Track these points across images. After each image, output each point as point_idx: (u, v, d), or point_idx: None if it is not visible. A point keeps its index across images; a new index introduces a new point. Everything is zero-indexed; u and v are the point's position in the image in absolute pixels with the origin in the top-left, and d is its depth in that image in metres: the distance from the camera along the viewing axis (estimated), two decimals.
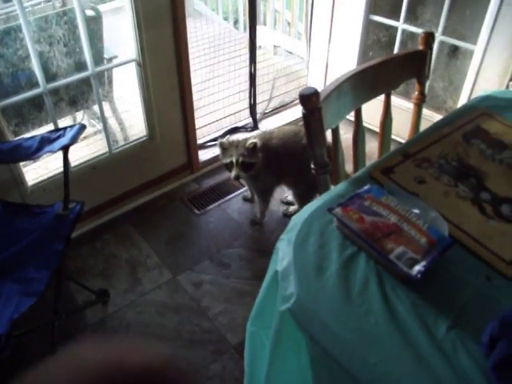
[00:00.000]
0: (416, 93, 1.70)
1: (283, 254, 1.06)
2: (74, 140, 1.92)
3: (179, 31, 2.43)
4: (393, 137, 1.78)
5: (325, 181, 1.37)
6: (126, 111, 3.34)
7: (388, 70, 1.56)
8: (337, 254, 1.05)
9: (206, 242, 2.66)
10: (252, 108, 3.44)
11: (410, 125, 1.77)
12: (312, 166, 1.36)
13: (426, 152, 1.37)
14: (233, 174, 2.43)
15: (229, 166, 2.45)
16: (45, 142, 1.99)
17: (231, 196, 2.96)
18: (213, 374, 2.08)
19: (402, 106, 2.88)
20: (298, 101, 3.53)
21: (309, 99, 1.20)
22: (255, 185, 2.68)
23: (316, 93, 1.19)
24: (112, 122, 3.13)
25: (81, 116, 3.14)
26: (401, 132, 2.28)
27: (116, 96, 3.13)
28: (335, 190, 1.25)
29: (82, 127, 2.00)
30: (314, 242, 1.07)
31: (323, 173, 1.35)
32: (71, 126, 2.02)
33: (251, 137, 2.50)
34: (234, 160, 2.39)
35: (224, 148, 2.46)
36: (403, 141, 2.89)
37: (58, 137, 2.01)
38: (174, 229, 2.76)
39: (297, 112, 3.58)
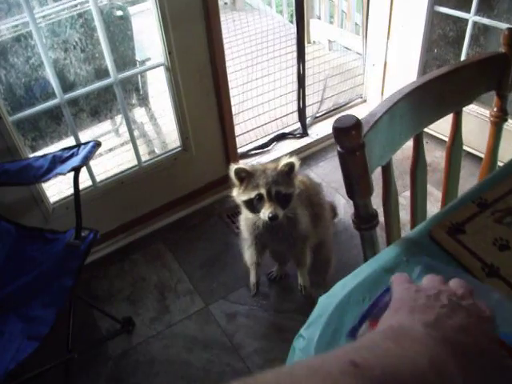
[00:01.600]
0: (495, 109, 1.33)
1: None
2: (85, 161, 1.71)
3: (212, 29, 2.15)
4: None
5: (371, 238, 1.05)
6: (162, 117, 3.10)
7: (459, 80, 1.20)
8: None
9: (243, 266, 2.36)
10: (301, 112, 3.12)
11: (485, 143, 1.41)
12: (353, 219, 1.04)
13: (510, 200, 1.02)
14: (268, 212, 1.67)
15: (255, 204, 1.72)
16: (56, 162, 1.80)
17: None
18: None
19: (471, 111, 2.51)
20: (353, 102, 3.29)
21: (347, 134, 0.87)
22: (293, 230, 1.87)
23: (357, 124, 0.86)
24: (149, 129, 2.90)
25: (119, 120, 2.93)
26: (472, 142, 1.90)
27: (153, 101, 2.89)
28: (381, 257, 0.93)
29: (97, 145, 1.78)
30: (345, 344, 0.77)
31: (368, 228, 1.02)
32: (86, 143, 1.80)
33: (281, 159, 1.81)
34: (265, 191, 1.69)
35: (241, 177, 1.73)
36: (475, 152, 2.55)
37: (71, 155, 1.81)
38: (209, 250, 2.50)
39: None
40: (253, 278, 2.01)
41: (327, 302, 0.84)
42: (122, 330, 2.15)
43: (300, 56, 2.89)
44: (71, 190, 2.29)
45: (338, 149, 0.90)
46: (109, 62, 2.02)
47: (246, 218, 1.88)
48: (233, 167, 1.72)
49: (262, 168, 1.74)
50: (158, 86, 2.75)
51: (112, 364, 2.05)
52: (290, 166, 1.73)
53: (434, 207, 2.16)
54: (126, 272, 2.42)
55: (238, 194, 1.75)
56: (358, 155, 0.90)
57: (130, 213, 2.51)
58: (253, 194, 1.70)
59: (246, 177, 1.72)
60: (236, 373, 1.97)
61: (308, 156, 3.03)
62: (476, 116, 2.52)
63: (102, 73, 2.16)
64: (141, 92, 2.66)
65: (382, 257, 0.93)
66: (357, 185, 0.95)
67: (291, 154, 2.92)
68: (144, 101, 2.74)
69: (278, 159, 1.80)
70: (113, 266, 2.45)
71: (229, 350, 2.06)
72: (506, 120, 1.36)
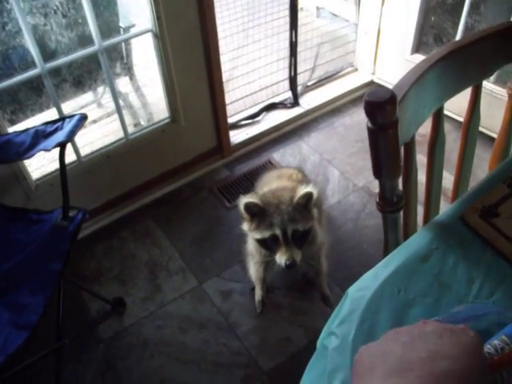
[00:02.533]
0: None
1: (334, 364, 0.68)
2: (71, 136, 1.58)
3: None
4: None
5: (394, 221, 0.96)
6: (148, 86, 2.96)
7: (482, 51, 1.11)
8: None
9: (237, 242, 2.25)
10: (292, 80, 3.01)
11: (493, 121, 1.32)
12: (377, 201, 0.95)
13: None
14: (284, 259, 1.49)
15: (268, 244, 1.55)
16: (39, 137, 1.67)
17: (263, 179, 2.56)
18: None
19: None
20: (345, 71, 3.17)
21: (381, 109, 0.77)
22: (310, 248, 1.72)
23: (392, 99, 0.76)
24: (132, 101, 2.75)
25: (101, 90, 2.78)
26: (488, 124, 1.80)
27: (138, 70, 2.74)
28: (412, 244, 0.85)
29: (83, 118, 1.65)
30: None
31: (393, 210, 0.94)
32: (71, 117, 1.67)
33: (294, 187, 1.61)
34: (280, 232, 1.49)
35: (253, 213, 1.53)
36: (492, 134, 2.44)
37: (55, 130, 1.68)
38: (200, 225, 2.41)
39: (343, 85, 3.13)
40: (258, 296, 1.94)
41: (359, 295, 0.76)
42: (112, 311, 2.06)
43: (293, 23, 2.76)
44: (54, 165, 2.19)
45: (369, 125, 0.81)
46: (93, 28, 1.88)
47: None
48: (243, 201, 1.51)
49: (275, 201, 1.53)
50: (143, 54, 2.60)
51: (104, 347, 1.96)
52: (308, 197, 1.52)
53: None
54: (115, 250, 2.32)
55: (250, 231, 1.57)
56: (391, 133, 0.80)
57: (116, 188, 2.40)
58: (266, 234, 1.51)
59: (257, 212, 1.52)
60: (233, 353, 1.91)
61: (299, 126, 2.94)
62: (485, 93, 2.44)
63: (85, 40, 2.01)
64: (125, 61, 2.51)
65: (412, 244, 0.85)
66: (386, 165, 0.86)
67: (282, 124, 2.87)
68: (129, 70, 2.60)
69: (293, 186, 1.62)
70: (100, 245, 2.34)
71: (225, 329, 1.99)
72: None
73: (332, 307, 2.01)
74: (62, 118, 1.69)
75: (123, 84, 2.73)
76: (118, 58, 2.43)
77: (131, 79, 2.72)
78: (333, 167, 2.65)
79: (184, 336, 1.98)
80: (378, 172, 0.88)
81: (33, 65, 1.87)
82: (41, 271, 1.57)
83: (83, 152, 2.20)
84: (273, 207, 1.51)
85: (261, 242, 1.57)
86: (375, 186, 2.51)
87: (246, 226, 1.59)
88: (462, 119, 1.27)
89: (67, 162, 1.99)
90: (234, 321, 2.01)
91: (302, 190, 1.51)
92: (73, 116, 1.67)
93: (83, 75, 2.25)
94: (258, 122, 2.89)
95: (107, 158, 2.25)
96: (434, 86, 1.03)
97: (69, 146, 2.03)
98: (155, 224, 2.42)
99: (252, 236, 1.58)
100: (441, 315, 0.71)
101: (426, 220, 1.29)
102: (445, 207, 0.99)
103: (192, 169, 2.59)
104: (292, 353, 1.90)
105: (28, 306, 1.50)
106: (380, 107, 0.78)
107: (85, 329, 2.01)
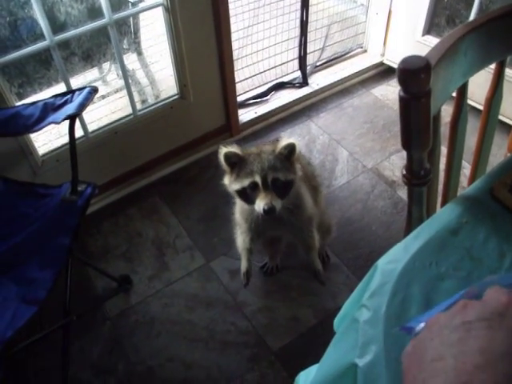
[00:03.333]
0: None
1: (367, 336, 0.66)
2: (81, 108, 1.55)
3: None
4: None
5: (420, 195, 0.93)
6: (157, 63, 2.91)
7: (505, 26, 1.07)
8: None
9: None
10: (302, 60, 2.96)
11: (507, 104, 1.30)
12: (403, 173, 0.92)
13: None
14: (263, 203, 1.43)
15: (248, 193, 1.47)
16: (48, 110, 1.64)
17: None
18: None
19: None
20: (354, 52, 3.13)
21: (415, 77, 0.74)
22: (297, 218, 1.66)
23: (427, 67, 0.73)
24: (140, 77, 2.71)
25: (107, 67, 2.74)
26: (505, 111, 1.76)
27: (146, 46, 2.70)
28: (441, 217, 0.82)
29: (93, 91, 1.62)
30: (416, 315, 0.66)
31: (420, 184, 0.91)
32: (81, 89, 1.64)
33: (274, 140, 1.57)
34: (260, 179, 1.43)
35: (232, 163, 1.48)
36: (507, 121, 2.41)
37: (65, 102, 1.65)
38: (208, 203, 2.38)
39: (353, 66, 3.09)
40: (243, 267, 1.76)
41: (389, 267, 0.73)
42: (119, 288, 2.05)
43: (304, 1, 2.71)
44: (61, 141, 2.16)
45: (401, 93, 0.78)
46: (103, 1, 1.83)
47: (241, 205, 1.65)
48: (222, 151, 1.46)
49: (256, 151, 1.49)
50: (151, 30, 2.56)
51: (110, 324, 1.95)
52: (290, 148, 1.46)
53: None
54: (121, 227, 2.30)
55: (230, 183, 1.51)
56: (424, 102, 0.78)
57: (123, 165, 2.37)
58: (246, 183, 1.45)
59: (237, 162, 1.47)
60: (241, 332, 1.90)
61: (308, 106, 2.90)
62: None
63: (95, 13, 1.96)
64: (133, 36, 2.47)
65: (442, 217, 0.83)
66: (417, 136, 0.83)
67: (291, 104, 2.84)
68: (137, 46, 2.55)
69: (275, 141, 1.55)
70: (106, 222, 2.32)
71: (232, 308, 1.98)
72: None
73: (324, 283, 2.02)
74: (72, 91, 1.66)
75: (131, 60, 2.68)
76: (128, 32, 2.38)
77: (139, 55, 2.67)
78: (342, 148, 2.62)
79: (191, 314, 1.96)
80: (407, 143, 0.85)
81: (41, 37, 1.83)
82: (49, 246, 1.55)
83: (90, 128, 2.17)
84: (253, 156, 1.46)
85: (241, 194, 1.50)
86: (384, 167, 2.49)
87: (226, 180, 1.53)
88: (480, 106, 1.24)
89: None
90: (241, 300, 2.00)
91: (284, 141, 1.47)
92: (83, 88, 1.64)
93: (92, 49, 2.20)
94: (266, 101, 2.86)
95: (115, 134, 2.22)
96: (462, 59, 1.00)
97: (76, 122, 2.01)
98: (162, 201, 2.40)
99: (232, 188, 1.51)
100: (472, 285, 0.69)
101: (445, 199, 1.27)
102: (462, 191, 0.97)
103: (200, 147, 2.56)
104: (300, 333, 1.88)
105: (36, 281, 1.48)
106: (414, 75, 0.75)
107: (91, 306, 1.99)
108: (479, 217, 0.82)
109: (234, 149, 1.47)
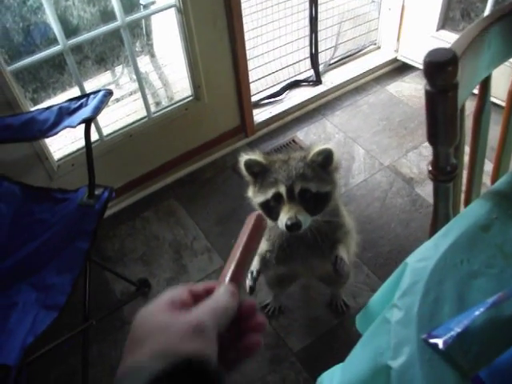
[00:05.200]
0: None
1: (399, 337, 0.64)
2: (96, 111, 1.54)
3: None
4: None
5: (446, 192, 0.91)
6: (170, 65, 2.90)
7: None
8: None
9: None
10: (313, 58, 2.94)
11: None
12: (429, 169, 0.90)
13: None
14: (286, 218, 1.18)
15: (272, 206, 1.24)
16: (63, 114, 1.63)
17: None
18: None
19: None
20: (367, 49, 3.10)
21: (442, 70, 0.71)
22: (340, 233, 1.39)
23: (454, 59, 0.70)
24: (154, 80, 2.70)
25: (120, 70, 2.73)
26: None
27: (158, 48, 2.69)
28: (470, 214, 0.80)
29: (108, 93, 1.61)
30: (450, 314, 0.64)
31: (446, 180, 0.88)
32: (95, 93, 1.63)
33: (307, 147, 1.34)
34: (285, 189, 1.21)
35: (254, 171, 1.29)
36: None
37: (80, 106, 1.64)
38: (225, 205, 2.37)
39: (366, 63, 3.06)
40: (253, 267, 1.37)
41: (420, 266, 0.71)
42: (137, 292, 2.04)
43: None
44: (75, 145, 2.16)
45: (427, 87, 0.75)
46: (115, 3, 1.83)
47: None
48: (242, 159, 1.27)
49: (283, 158, 1.28)
50: (163, 32, 2.55)
51: (129, 328, 1.92)
52: (326, 154, 1.24)
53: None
54: (138, 231, 2.29)
55: (253, 195, 1.30)
56: (451, 96, 0.75)
57: (139, 168, 2.37)
58: (269, 194, 1.22)
59: (261, 171, 1.27)
60: (261, 333, 1.87)
61: (323, 105, 2.88)
62: None
63: (107, 16, 1.96)
64: (146, 39, 2.46)
65: (471, 213, 0.80)
66: (443, 130, 0.80)
67: (306, 102, 2.82)
68: (149, 48, 2.55)
69: (307, 148, 1.34)
70: (123, 225, 2.32)
71: None
72: None
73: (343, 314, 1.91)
74: (87, 95, 1.65)
75: (144, 63, 2.68)
76: (140, 34, 2.37)
77: (152, 57, 2.67)
78: (358, 146, 2.59)
79: None
80: (433, 138, 0.83)
81: (55, 41, 1.83)
82: (67, 251, 1.54)
83: (105, 131, 2.17)
84: (279, 163, 1.25)
85: (264, 207, 1.26)
86: (401, 164, 2.46)
87: (250, 192, 1.33)
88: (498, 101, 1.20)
89: None
90: (260, 301, 1.97)
91: (319, 146, 1.25)
92: (97, 92, 1.63)
93: (105, 52, 2.20)
94: (280, 100, 2.84)
95: (130, 137, 2.21)
96: (486, 51, 0.98)
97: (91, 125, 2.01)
98: (178, 204, 2.38)
99: (255, 202, 1.29)
100: (504, 288, 0.67)
101: (468, 196, 1.24)
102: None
103: (215, 148, 2.55)
104: (321, 333, 1.86)
105: (55, 286, 1.47)
106: (441, 68, 0.72)
107: (110, 310, 1.98)
108: (509, 212, 0.80)
109: (255, 156, 1.27)
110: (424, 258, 0.73)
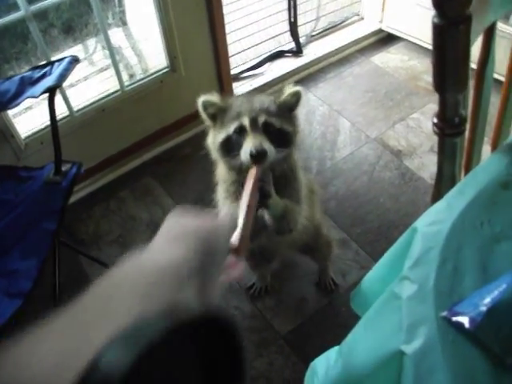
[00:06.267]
0: None
1: (414, 316, 0.53)
2: (61, 79, 1.43)
3: None
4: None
5: (453, 148, 0.80)
6: (144, 34, 2.75)
7: None
8: None
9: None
10: (293, 28, 2.82)
11: None
12: (434, 121, 0.78)
13: None
14: (250, 146, 1.11)
15: (234, 141, 1.17)
16: (26, 84, 1.52)
17: None
18: (257, 374, 1.65)
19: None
20: (350, 20, 2.98)
21: None
22: (291, 189, 1.31)
23: None
24: (127, 50, 2.56)
25: (93, 44, 2.58)
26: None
27: (131, 17, 2.54)
28: (487, 169, 0.69)
29: (74, 60, 1.50)
30: (473, 286, 0.53)
31: (454, 134, 0.77)
32: (60, 60, 1.51)
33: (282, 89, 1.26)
34: (248, 120, 1.14)
35: (213, 115, 1.23)
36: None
37: (44, 75, 1.52)
38: (204, 182, 2.22)
39: (350, 34, 2.95)
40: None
41: (432, 230, 0.60)
42: None
43: None
44: (44, 122, 2.01)
45: (435, 19, 0.64)
46: None
47: (225, 186, 1.36)
48: (200, 99, 1.21)
49: (246, 97, 1.25)
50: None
51: None
52: (299, 96, 1.21)
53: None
54: (113, 212, 2.17)
55: (214, 137, 1.23)
56: (462, 29, 0.64)
57: (113, 145, 2.24)
58: (231, 128, 1.16)
59: (219, 112, 1.21)
60: (247, 316, 1.80)
61: (305, 77, 2.78)
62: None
63: None
64: (117, 8, 2.32)
65: (487, 169, 0.70)
66: (453, 72, 0.69)
67: (287, 75, 2.70)
68: (121, 16, 2.40)
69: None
70: (97, 206, 2.20)
71: (236, 292, 1.88)
72: None
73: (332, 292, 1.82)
74: (51, 62, 1.53)
75: (116, 33, 2.53)
76: (111, 1, 2.22)
77: (125, 26, 2.52)
78: (343, 118, 2.49)
79: None
80: (441, 82, 0.71)
81: (15, 7, 1.70)
82: (33, 233, 1.44)
83: (76, 106, 2.03)
84: (240, 101, 1.20)
85: (225, 146, 1.19)
86: (389, 136, 2.38)
87: (210, 138, 1.26)
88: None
89: (58, 117, 1.83)
90: (245, 282, 1.88)
91: (290, 88, 1.21)
92: (62, 59, 1.51)
93: (73, 19, 2.05)
94: (262, 73, 2.72)
95: (102, 111, 2.08)
96: None
97: (60, 100, 1.87)
98: (156, 182, 2.27)
99: (216, 143, 1.22)
100: None
101: (469, 158, 1.14)
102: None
103: (193, 123, 2.42)
104: (310, 314, 1.78)
105: (19, 272, 1.38)
106: None
107: None
108: None
109: (213, 98, 1.21)
110: (437, 220, 0.62)
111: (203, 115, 1.24)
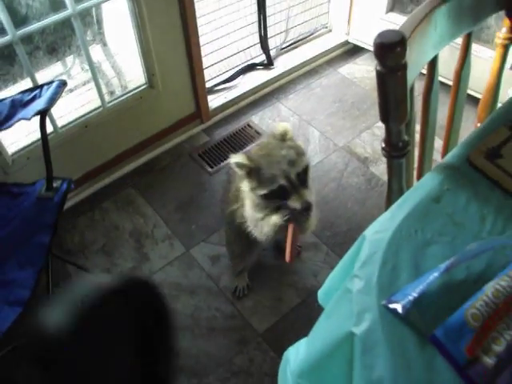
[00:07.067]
0: (503, 30, 1.25)
1: (361, 305, 0.68)
2: (51, 102, 1.53)
3: None
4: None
5: (399, 167, 0.96)
6: (123, 53, 2.86)
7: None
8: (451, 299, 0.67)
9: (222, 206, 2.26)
10: (263, 41, 2.96)
11: (483, 76, 1.34)
12: (382, 146, 0.94)
13: None
14: (297, 205, 1.36)
15: (277, 194, 1.39)
16: (17, 107, 1.62)
17: (249, 147, 2.53)
18: (238, 369, 1.78)
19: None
20: (319, 32, 3.14)
21: (391, 51, 0.75)
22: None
23: (402, 41, 0.75)
24: (107, 69, 2.67)
25: (71, 61, 2.68)
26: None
27: (110, 37, 2.65)
28: (423, 186, 0.85)
29: (62, 84, 1.60)
30: (407, 281, 0.69)
31: (399, 156, 0.93)
32: (49, 83, 1.61)
33: (269, 133, 1.49)
34: (285, 181, 1.36)
35: (249, 169, 1.39)
36: (474, 93, 2.41)
37: (33, 98, 1.62)
38: (183, 191, 2.38)
39: (318, 46, 3.10)
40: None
41: (377, 237, 0.75)
42: None
43: None
44: (30, 138, 2.12)
45: (378, 67, 0.79)
46: None
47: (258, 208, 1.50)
48: (233, 161, 1.38)
49: (265, 152, 1.41)
50: (114, 20, 2.51)
51: None
52: (289, 132, 1.43)
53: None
54: (97, 222, 2.28)
55: (254, 188, 1.42)
56: (400, 75, 0.80)
57: (95, 159, 2.34)
58: (273, 187, 1.37)
59: (252, 170, 1.39)
60: (226, 317, 1.91)
61: (277, 89, 2.91)
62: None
63: (57, 4, 1.92)
64: (97, 27, 2.42)
65: (424, 185, 0.85)
66: (394, 108, 0.85)
67: (260, 87, 2.84)
68: (101, 37, 2.51)
69: (270, 134, 1.48)
70: (82, 217, 2.30)
71: (216, 293, 1.99)
72: None
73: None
74: (40, 86, 1.63)
75: (97, 52, 2.63)
76: (91, 23, 2.33)
77: (105, 46, 2.63)
78: (313, 128, 2.64)
79: (175, 303, 1.96)
80: (385, 116, 0.87)
81: (3, 32, 1.78)
82: (28, 245, 1.52)
83: (60, 123, 2.13)
84: (265, 158, 1.39)
85: (267, 197, 1.41)
86: (356, 144, 2.52)
87: (246, 186, 1.45)
88: (447, 81, 1.26)
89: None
90: (224, 285, 2.01)
91: (280, 127, 1.42)
92: (51, 83, 1.61)
93: (57, 42, 2.15)
94: (235, 86, 2.85)
95: (85, 127, 2.18)
96: (432, 32, 1.02)
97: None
98: (137, 192, 2.38)
99: (257, 194, 1.42)
100: (455, 255, 0.72)
101: (420, 171, 1.30)
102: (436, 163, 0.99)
103: (171, 135, 2.55)
104: (285, 313, 1.91)
105: (17, 281, 1.46)
106: (390, 49, 0.77)
107: None
108: (459, 183, 0.85)
109: (242, 159, 1.37)
110: (381, 229, 0.77)
111: (238, 172, 1.41)
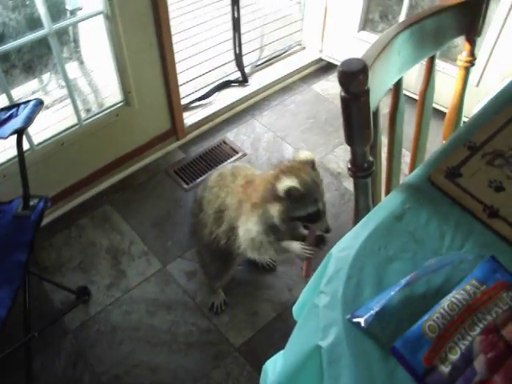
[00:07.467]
0: (464, 53, 1.32)
1: (327, 320, 0.72)
2: (28, 121, 1.55)
3: None
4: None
5: (365, 187, 1.00)
6: (99, 71, 2.88)
7: (437, 23, 1.16)
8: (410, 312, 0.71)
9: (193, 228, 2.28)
10: (238, 58, 3.01)
11: (451, 92, 1.40)
12: (349, 167, 0.99)
13: (496, 142, 1.01)
14: (324, 226, 1.55)
15: (310, 217, 1.51)
16: None
17: (224, 164, 2.57)
18: (215, 383, 1.78)
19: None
20: (293, 50, 3.20)
21: (354, 79, 0.80)
22: None
23: (365, 69, 0.80)
24: (83, 86, 2.69)
25: (48, 77, 2.69)
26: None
27: (87, 55, 2.68)
28: (387, 205, 0.89)
29: (39, 103, 1.62)
30: (370, 296, 0.73)
31: (364, 176, 0.98)
32: (26, 102, 1.63)
33: (297, 159, 1.56)
34: (323, 206, 1.51)
35: (298, 195, 1.44)
36: (439, 107, 2.49)
37: (10, 117, 1.63)
38: (159, 208, 2.40)
39: (292, 63, 3.17)
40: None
41: (343, 255, 0.79)
42: (77, 300, 2.03)
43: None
44: (5, 156, 2.12)
45: (342, 94, 0.84)
46: (42, 10, 1.81)
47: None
48: (287, 184, 1.42)
49: (310, 178, 1.47)
50: (91, 38, 2.54)
51: (72, 337, 1.94)
52: (312, 161, 1.54)
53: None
54: (74, 239, 2.28)
55: (288, 210, 1.47)
56: (363, 101, 0.84)
57: (72, 176, 2.35)
58: (311, 210, 1.47)
59: (299, 195, 1.45)
60: (203, 331, 1.93)
61: (251, 105, 2.96)
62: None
63: (34, 23, 1.94)
64: (73, 45, 2.45)
65: (386, 204, 0.90)
66: (358, 132, 0.89)
67: (235, 104, 2.88)
68: (78, 55, 2.53)
69: (297, 160, 1.55)
70: (58, 234, 2.30)
71: (192, 309, 2.01)
72: (473, 64, 1.35)
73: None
74: (17, 105, 1.64)
75: (73, 69, 2.66)
76: (68, 41, 2.36)
77: (81, 64, 2.65)
78: (287, 144, 2.69)
79: (152, 319, 1.98)
80: (350, 139, 0.92)
81: None
82: (5, 264, 1.53)
83: (36, 140, 2.14)
84: (309, 183, 1.47)
85: (302, 218, 1.51)
86: (329, 160, 2.57)
87: (275, 210, 1.49)
88: (415, 96, 1.31)
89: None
90: (200, 300, 2.04)
91: (304, 156, 1.54)
92: (28, 102, 1.63)
93: (33, 60, 2.17)
94: (210, 103, 2.89)
95: (61, 145, 2.20)
96: (396, 57, 1.08)
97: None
98: (113, 209, 2.39)
99: (293, 215, 1.49)
100: (416, 270, 0.76)
101: (388, 187, 1.35)
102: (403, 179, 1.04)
103: (147, 152, 2.57)
104: (261, 326, 1.94)
105: None
106: (353, 77, 0.81)
107: (51, 321, 1.96)
108: (420, 202, 0.90)
109: (296, 184, 1.42)
110: (346, 247, 0.81)
111: (282, 194, 1.44)
